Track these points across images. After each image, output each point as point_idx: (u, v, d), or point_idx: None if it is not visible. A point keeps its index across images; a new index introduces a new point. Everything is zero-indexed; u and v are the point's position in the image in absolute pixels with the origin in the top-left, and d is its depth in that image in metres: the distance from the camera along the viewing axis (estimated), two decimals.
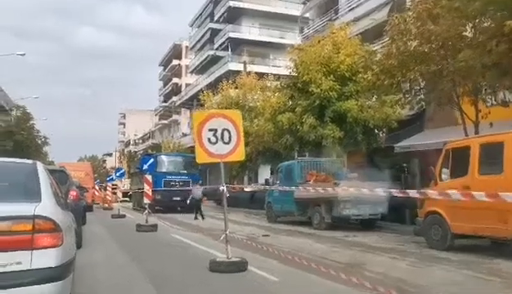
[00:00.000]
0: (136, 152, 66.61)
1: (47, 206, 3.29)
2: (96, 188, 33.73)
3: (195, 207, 17.76)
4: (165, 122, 64.02)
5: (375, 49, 14.63)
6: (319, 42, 17.70)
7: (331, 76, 16.32)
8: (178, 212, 20.59)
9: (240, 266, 6.37)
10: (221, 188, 6.74)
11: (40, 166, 3.99)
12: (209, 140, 6.45)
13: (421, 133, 16.60)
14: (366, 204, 12.20)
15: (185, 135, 48.37)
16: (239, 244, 8.68)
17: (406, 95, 13.05)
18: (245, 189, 25.28)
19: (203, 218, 17.08)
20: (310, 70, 16.55)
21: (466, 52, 10.06)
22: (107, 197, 26.16)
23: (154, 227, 12.59)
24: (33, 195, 3.34)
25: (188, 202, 18.45)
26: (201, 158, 6.57)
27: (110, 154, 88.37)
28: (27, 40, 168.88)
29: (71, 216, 4.40)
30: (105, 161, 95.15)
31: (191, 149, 36.11)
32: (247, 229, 13.37)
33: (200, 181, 20.35)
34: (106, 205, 25.29)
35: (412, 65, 11.66)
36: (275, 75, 27.92)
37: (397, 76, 12.20)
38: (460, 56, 10.02)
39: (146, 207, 13.43)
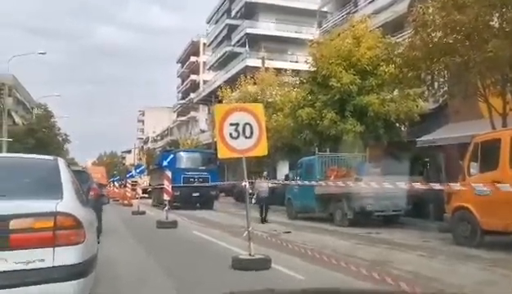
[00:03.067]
0: (154, 149, 67.13)
1: (68, 203, 3.21)
2: (116, 185, 34.20)
3: (260, 207, 14.12)
4: (183, 118, 64.27)
5: (397, 41, 14.25)
6: (339, 35, 17.42)
7: (352, 70, 16.04)
8: (197, 209, 20.59)
9: (263, 264, 6.20)
10: (243, 183, 6.58)
11: (62, 162, 3.92)
12: (231, 134, 6.28)
13: (444, 127, 16.17)
14: (388, 200, 11.93)
15: (203, 131, 48.44)
16: (261, 241, 8.53)
17: (430, 88, 12.72)
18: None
19: (265, 221, 13.67)
20: (330, 64, 16.29)
21: (495, 42, 9.71)
22: (127, 193, 26.35)
23: (174, 224, 12.54)
24: (55, 192, 3.25)
25: (254, 201, 13.95)
26: (223, 153, 6.43)
27: (129, 151, 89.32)
28: (41, 38, 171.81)
29: (92, 213, 4.34)
30: (124, 158, 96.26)
31: (208, 146, 36.24)
32: (268, 225, 13.22)
33: (265, 173, 16.95)
34: (126, 201, 25.48)
35: (437, 57, 11.33)
36: (293, 70, 27.64)
37: (421, 68, 11.90)
38: (489, 46, 9.66)
39: (166, 203, 13.37)
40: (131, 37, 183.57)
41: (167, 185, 13.44)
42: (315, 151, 15.04)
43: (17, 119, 44.11)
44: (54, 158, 4.07)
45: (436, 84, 12.68)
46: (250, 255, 6.27)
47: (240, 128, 6.29)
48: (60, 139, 43.10)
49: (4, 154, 4.62)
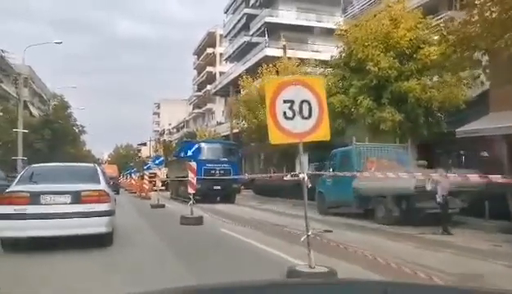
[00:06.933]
0: (170, 141, 66.37)
1: (103, 185, 7.77)
2: (133, 177, 33.27)
3: (441, 214, 10.12)
4: (199, 111, 63.37)
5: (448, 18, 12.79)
6: (375, 16, 15.99)
7: (390, 52, 14.67)
8: (218, 202, 19.44)
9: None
10: (301, 175, 5.26)
11: (98, 166, 9.31)
12: (285, 114, 4.99)
13: (486, 116, 14.59)
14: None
15: (220, 123, 47.32)
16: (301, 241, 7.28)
17: (487, 70, 11.29)
18: (285, 178, 23.97)
19: (448, 232, 9.64)
20: (366, 47, 14.92)
21: None
22: (144, 186, 25.33)
23: (199, 220, 11.33)
24: (97, 181, 7.83)
25: (440, 206, 10.10)
26: (275, 137, 5.11)
27: (144, 144, 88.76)
28: (58, 30, 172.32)
29: (112, 192, 8.82)
30: (139, 150, 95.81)
31: (227, 138, 35.06)
32: (300, 221, 11.96)
33: (450, 161, 13.08)
34: (143, 194, 24.51)
35: (500, 33, 9.87)
36: (316, 60, 26.25)
37: (478, 47, 10.48)
38: None
39: (191, 197, 12.09)
40: (148, 29, 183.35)
41: (192, 177, 12.06)
42: (351, 141, 13.63)
43: (34, 111, 43.49)
44: (94, 164, 10.07)
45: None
46: (310, 266, 4.96)
47: (296, 106, 5.00)
48: (77, 130, 42.39)
49: (71, 163, 10.30)
